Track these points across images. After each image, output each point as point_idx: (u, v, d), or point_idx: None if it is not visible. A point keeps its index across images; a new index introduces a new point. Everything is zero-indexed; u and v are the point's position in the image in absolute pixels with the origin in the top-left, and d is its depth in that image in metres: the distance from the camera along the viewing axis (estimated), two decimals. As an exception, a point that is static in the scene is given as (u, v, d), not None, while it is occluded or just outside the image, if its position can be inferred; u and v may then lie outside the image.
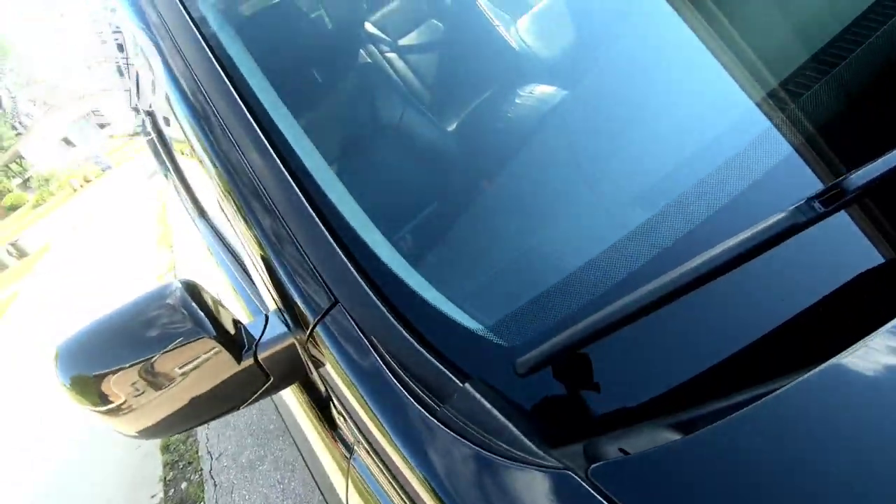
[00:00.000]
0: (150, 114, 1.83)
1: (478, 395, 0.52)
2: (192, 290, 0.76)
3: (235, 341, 0.74)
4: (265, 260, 0.78)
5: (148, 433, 0.75)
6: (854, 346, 0.44)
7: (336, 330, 0.62)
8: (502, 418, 0.50)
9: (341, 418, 0.71)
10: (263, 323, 0.79)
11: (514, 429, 0.49)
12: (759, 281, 0.52)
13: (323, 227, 0.67)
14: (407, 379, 0.56)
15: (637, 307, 0.50)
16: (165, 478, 2.81)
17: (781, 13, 0.84)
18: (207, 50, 0.86)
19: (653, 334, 0.52)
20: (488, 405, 0.51)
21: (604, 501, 0.41)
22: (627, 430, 0.47)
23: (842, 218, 0.53)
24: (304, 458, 1.04)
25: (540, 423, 0.52)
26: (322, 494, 0.98)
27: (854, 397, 0.42)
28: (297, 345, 0.75)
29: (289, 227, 0.71)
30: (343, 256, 0.64)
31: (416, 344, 0.57)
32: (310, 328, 0.65)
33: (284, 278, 0.70)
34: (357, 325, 0.60)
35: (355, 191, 0.74)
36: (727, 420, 0.42)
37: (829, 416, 0.41)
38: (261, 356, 0.75)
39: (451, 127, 1.05)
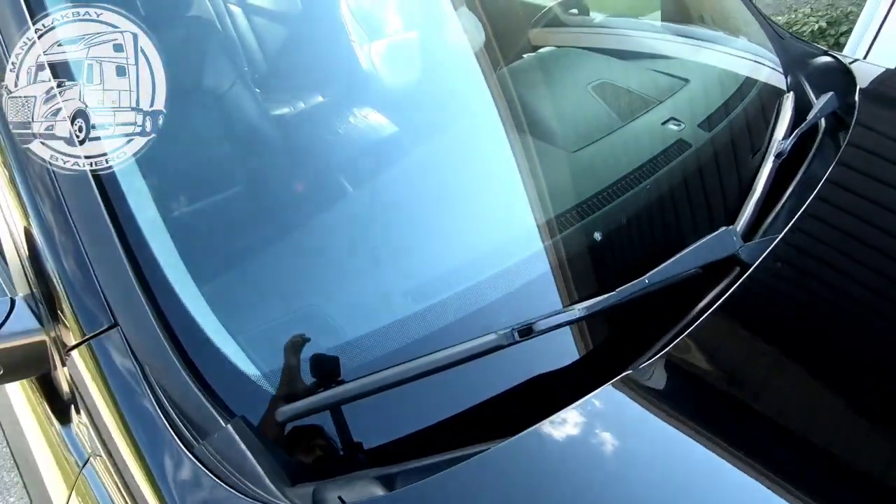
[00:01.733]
0: None
1: (236, 436, 0.60)
2: None
3: None
4: (30, 243, 0.72)
5: None
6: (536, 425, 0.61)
7: (109, 348, 0.63)
8: (253, 460, 0.59)
9: (83, 426, 0.70)
10: (7, 308, 0.72)
11: (260, 471, 0.58)
12: (477, 370, 0.70)
13: (116, 237, 0.66)
14: (171, 411, 0.60)
15: (386, 382, 0.65)
16: None
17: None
18: None
19: (389, 406, 0.67)
20: (244, 446, 0.59)
21: None
22: (349, 480, 0.61)
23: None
24: (9, 447, 0.94)
25: (286, 467, 0.62)
26: (24, 484, 0.91)
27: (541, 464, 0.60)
28: (47, 343, 0.71)
29: (75, 224, 0.67)
30: (132, 275, 0.64)
31: (188, 379, 0.62)
32: (80, 341, 0.64)
33: (56, 276, 0.67)
34: (132, 351, 0.62)
35: (162, 203, 0.73)
36: (429, 479, 0.58)
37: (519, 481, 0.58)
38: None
39: (277, 113, 0.98)
